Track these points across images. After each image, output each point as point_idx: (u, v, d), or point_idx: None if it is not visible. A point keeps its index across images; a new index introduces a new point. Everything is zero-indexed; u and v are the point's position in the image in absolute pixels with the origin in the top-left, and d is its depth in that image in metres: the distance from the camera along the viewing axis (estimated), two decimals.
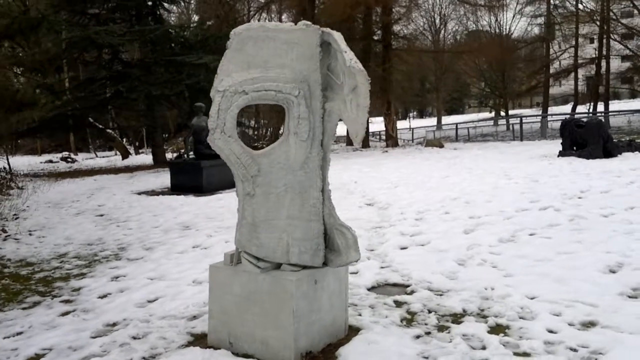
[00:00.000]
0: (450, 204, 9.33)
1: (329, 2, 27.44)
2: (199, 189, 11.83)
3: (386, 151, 24.56)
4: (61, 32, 17.24)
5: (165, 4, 21.26)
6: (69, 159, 28.30)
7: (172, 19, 37.88)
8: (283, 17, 38.41)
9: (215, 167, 12.16)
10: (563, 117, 25.90)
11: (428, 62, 45.00)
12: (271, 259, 3.81)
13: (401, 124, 63.78)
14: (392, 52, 27.66)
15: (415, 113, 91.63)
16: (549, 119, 30.74)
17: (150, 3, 19.44)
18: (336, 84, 3.73)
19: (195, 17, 34.87)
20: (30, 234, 8.03)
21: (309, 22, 3.71)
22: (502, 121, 42.79)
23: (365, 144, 30.33)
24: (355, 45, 28.79)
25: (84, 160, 29.35)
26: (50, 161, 28.00)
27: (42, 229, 8.43)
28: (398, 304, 4.77)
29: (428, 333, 4.14)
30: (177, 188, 12.48)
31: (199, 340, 4.05)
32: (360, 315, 4.48)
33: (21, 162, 28.20)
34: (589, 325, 4.14)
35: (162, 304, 4.86)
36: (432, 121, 61.54)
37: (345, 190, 11.58)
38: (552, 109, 44.19)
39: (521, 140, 27.62)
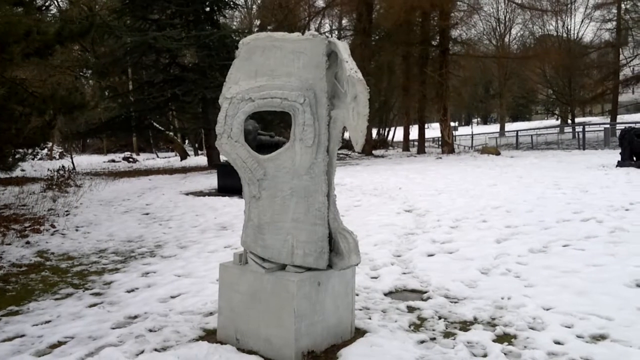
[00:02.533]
0: (490, 212, 9.24)
1: (386, 7, 27.45)
2: (239, 191, 12.05)
3: (440, 158, 24.36)
4: (121, 37, 17.97)
5: (223, 10, 21.83)
6: (131, 159, 29.38)
7: (235, 24, 38.85)
8: (343, 21, 38.75)
9: None
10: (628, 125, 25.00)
11: (492, 67, 44.30)
12: (276, 260, 3.95)
13: (463, 130, 63.05)
14: (449, 57, 27.37)
15: (478, 119, 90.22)
16: (616, 128, 29.68)
17: (207, 9, 20.00)
18: (342, 92, 3.84)
19: (257, 22, 35.53)
20: (76, 230, 8.47)
21: (315, 32, 3.84)
22: (569, 129, 41.58)
23: (421, 150, 30.18)
24: (413, 50, 28.77)
25: (144, 160, 30.42)
26: (113, 161, 29.16)
27: (89, 225, 8.88)
28: (410, 309, 4.83)
29: (433, 339, 4.19)
30: (224, 189, 12.81)
31: (210, 335, 4.23)
32: (369, 318, 4.56)
33: (87, 161, 29.55)
34: (598, 338, 4.09)
35: (183, 299, 5.08)
36: (495, 128, 60.41)
37: (387, 197, 11.61)
38: (622, 117, 42.68)
39: (583, 149, 26.84)
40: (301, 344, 3.77)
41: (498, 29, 49.73)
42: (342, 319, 4.13)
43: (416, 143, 32.66)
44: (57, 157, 30.72)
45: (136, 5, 19.56)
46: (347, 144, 42.31)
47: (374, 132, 47.09)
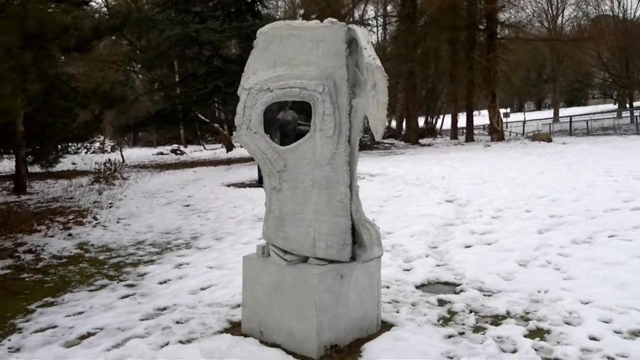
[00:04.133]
0: (535, 201, 8.96)
1: None
2: None
3: (489, 145, 23.82)
4: (164, 31, 18.18)
5: (264, 0, 21.84)
6: (178, 151, 29.85)
7: (279, 14, 38.85)
8: (388, 7, 38.25)
9: None
10: None
11: (544, 50, 42.99)
12: (298, 252, 3.89)
13: (515, 117, 61.54)
14: (497, 41, 26.68)
15: (532, 105, 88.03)
16: None
17: (249, 0, 20.04)
18: (362, 80, 3.73)
19: (301, 11, 35.41)
20: (117, 222, 8.63)
21: (334, 19, 3.74)
22: (627, 113, 40.03)
23: (469, 138, 29.61)
24: (460, 35, 28.17)
25: (191, 152, 30.84)
26: (161, 153, 29.70)
27: (130, 217, 9.03)
28: (441, 302, 4.70)
29: (462, 333, 4.07)
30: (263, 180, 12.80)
31: (235, 328, 4.22)
32: (397, 312, 4.46)
33: (137, 154, 30.20)
34: (637, 334, 3.89)
35: (213, 291, 5.08)
36: (549, 113, 58.73)
37: (429, 186, 11.40)
38: None
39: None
40: (323, 337, 3.71)
41: (550, 11, 48.19)
42: (367, 312, 4.04)
43: (465, 131, 32.04)
44: (109, 150, 31.51)
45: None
46: (393, 133, 42.10)
47: (422, 120, 46.61)
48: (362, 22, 31.78)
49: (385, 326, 4.16)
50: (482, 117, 48.09)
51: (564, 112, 57.38)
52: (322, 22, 3.77)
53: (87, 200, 10.69)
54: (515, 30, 28.34)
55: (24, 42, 5.85)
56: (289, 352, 3.73)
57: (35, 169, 17.29)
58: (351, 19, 34.35)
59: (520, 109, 79.46)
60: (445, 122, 47.53)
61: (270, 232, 3.96)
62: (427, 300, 4.74)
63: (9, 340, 4.14)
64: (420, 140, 30.90)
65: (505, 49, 28.13)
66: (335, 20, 3.74)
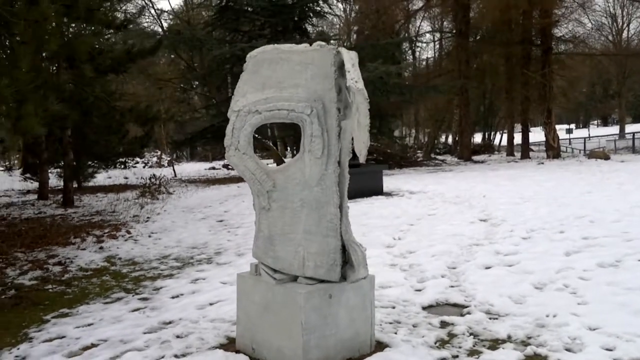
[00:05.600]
0: (572, 222, 8.69)
1: (482, 7, 26.63)
2: None
3: (542, 163, 23.21)
4: (211, 50, 18.66)
5: (312, 19, 22.12)
6: (229, 166, 30.41)
7: (333, 31, 39.18)
8: (445, 22, 37.95)
9: None
10: None
11: (609, 66, 41.69)
12: (287, 272, 3.94)
13: (579, 133, 59.74)
14: (552, 56, 26.06)
15: (598, 121, 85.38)
16: None
17: (296, 18, 20.34)
18: (350, 103, 3.77)
19: (355, 28, 35.64)
20: (149, 236, 8.89)
21: (323, 43, 3.80)
22: None
23: (525, 155, 28.96)
24: (514, 50, 27.69)
25: None
26: (213, 168, 30.34)
27: (163, 231, 9.29)
28: (444, 324, 4.64)
29: (455, 357, 4.01)
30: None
31: (231, 344, 4.29)
32: (396, 333, 4.44)
33: (191, 169, 30.95)
34: None
35: (220, 307, 5.17)
36: (616, 129, 56.75)
37: (467, 205, 11.22)
38: None
39: None
40: (311, 356, 3.73)
41: (615, 25, 46.68)
42: (359, 332, 4.04)
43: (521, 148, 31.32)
44: (166, 164, 32.41)
45: (227, 19, 20.25)
46: (449, 149, 41.61)
47: (478, 137, 45.90)
48: (411, 37, 31.71)
49: (380, 347, 4.14)
50: (542, 134, 46.96)
51: (631, 128, 55.31)
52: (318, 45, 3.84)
53: (128, 214, 11.06)
54: (573, 45, 27.61)
55: (56, 63, 6.17)
56: None
57: (89, 183, 18.09)
58: (405, 34, 34.39)
59: (585, 125, 77.11)
60: (503, 138, 46.68)
61: (260, 252, 4.03)
62: (430, 322, 4.68)
63: (18, 349, 4.34)
64: (474, 157, 30.43)
65: (562, 65, 27.45)
66: (324, 43, 3.81)
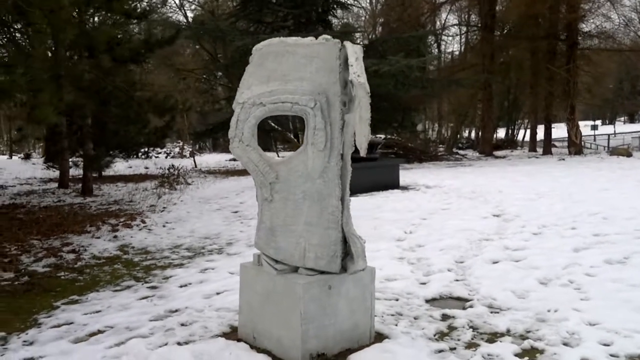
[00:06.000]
0: (585, 219, 8.66)
1: (510, 1, 26.36)
2: None
3: (563, 159, 23.00)
4: (233, 41, 18.71)
5: (335, 11, 22.07)
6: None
7: (359, 23, 39.03)
8: (472, 16, 37.57)
9: (355, 171, 12.25)
10: None
11: (638, 62, 40.92)
12: (289, 262, 4.02)
13: (604, 129, 58.79)
14: (577, 52, 25.73)
15: (625, 118, 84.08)
16: None
17: (320, 10, 20.30)
18: (353, 96, 3.83)
19: (381, 20, 35.46)
20: (163, 226, 9.03)
21: (328, 37, 3.86)
22: None
23: (547, 151, 28.68)
24: (540, 45, 27.37)
25: None
26: (234, 160, 30.48)
27: (177, 221, 9.42)
28: (445, 317, 4.69)
29: (453, 349, 4.06)
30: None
31: (233, 332, 4.38)
32: (396, 325, 4.49)
33: (212, 159, 31.17)
34: (635, 358, 3.77)
35: (226, 296, 5.27)
36: None
37: (482, 200, 11.20)
38: None
39: None
40: (309, 346, 3.81)
41: None
42: (358, 324, 4.11)
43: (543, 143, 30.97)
44: (188, 155, 32.68)
45: (250, 10, 20.31)
46: (472, 144, 41.29)
47: (502, 132, 45.46)
48: (434, 31, 31.43)
49: (380, 338, 4.21)
50: (557, 129, 46.35)
51: None
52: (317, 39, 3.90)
53: (145, 204, 11.24)
54: (599, 40, 27.22)
55: (76, 53, 6.29)
56: (276, 359, 3.86)
57: (110, 172, 18.35)
58: (431, 27, 34.15)
59: (612, 121, 75.91)
60: (527, 134, 46.16)
61: (262, 242, 4.11)
62: (431, 315, 4.74)
63: (26, 334, 4.48)
64: (495, 152, 30.19)
65: (588, 60, 27.08)
66: (329, 37, 3.86)
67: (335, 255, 3.94)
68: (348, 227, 3.95)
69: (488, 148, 29.27)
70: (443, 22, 39.03)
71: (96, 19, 13.57)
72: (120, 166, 20.65)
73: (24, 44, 6.27)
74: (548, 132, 29.50)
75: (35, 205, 11.60)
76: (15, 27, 6.49)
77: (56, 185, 15.28)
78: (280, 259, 4.03)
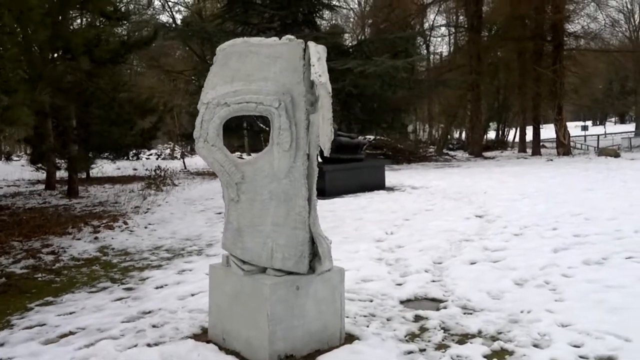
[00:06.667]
0: (566, 219, 8.69)
1: (495, 1, 26.45)
2: (322, 193, 12.13)
3: (551, 160, 23.08)
4: (219, 42, 18.60)
5: (321, 12, 22.10)
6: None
7: (348, 24, 39.11)
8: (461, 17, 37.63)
9: (340, 172, 12.47)
10: None
11: (625, 62, 41.15)
12: (256, 263, 3.99)
13: (594, 130, 59.07)
14: (563, 52, 25.84)
15: (616, 118, 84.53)
16: None
17: (306, 11, 20.32)
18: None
19: (369, 21, 35.53)
20: (145, 227, 8.96)
21: (292, 37, 3.84)
22: None
23: (536, 152, 28.75)
24: (527, 46, 27.48)
25: None
26: None
27: (160, 223, 9.36)
28: (417, 318, 4.67)
29: (422, 350, 4.04)
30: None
31: (204, 334, 4.35)
32: (367, 326, 4.47)
33: (203, 161, 31.04)
34: None
35: (200, 298, 5.23)
36: (633, 127, 56.10)
37: (466, 201, 11.22)
38: None
39: None
40: (276, 347, 3.78)
41: (632, 21, 46.01)
42: (327, 325, 4.08)
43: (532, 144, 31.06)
44: (179, 157, 32.58)
45: (236, 11, 20.32)
46: (462, 145, 41.39)
47: (493, 133, 45.55)
48: (420, 32, 31.41)
49: (350, 339, 4.18)
50: (545, 130, 46.47)
51: None
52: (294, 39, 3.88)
53: (129, 205, 11.18)
54: (586, 41, 27.33)
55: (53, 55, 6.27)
56: None
57: (97, 173, 18.26)
58: (419, 28, 34.22)
59: (602, 122, 76.25)
60: (517, 134, 46.24)
61: (229, 243, 4.09)
62: (404, 316, 4.72)
63: None
64: (485, 153, 30.23)
65: (574, 61, 27.19)
66: (292, 37, 3.84)
67: (302, 256, 3.92)
68: (315, 228, 3.92)
69: (477, 149, 29.33)
70: (431, 23, 39.17)
71: (83, 21, 13.55)
72: (108, 168, 20.55)
73: None
74: (536, 132, 29.58)
75: (20, 207, 11.53)
76: None
77: (43, 187, 15.21)
78: (248, 259, 4.01)
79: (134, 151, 19.68)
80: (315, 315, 4.00)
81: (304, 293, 3.94)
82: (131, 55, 10.71)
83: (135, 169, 21.35)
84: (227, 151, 3.98)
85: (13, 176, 19.35)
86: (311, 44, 3.80)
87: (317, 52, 3.73)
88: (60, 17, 7.17)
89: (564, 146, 26.33)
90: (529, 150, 30.83)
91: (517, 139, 41.40)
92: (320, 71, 3.59)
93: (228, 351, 4.00)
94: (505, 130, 45.08)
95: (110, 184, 16.01)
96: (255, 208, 3.96)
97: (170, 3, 29.81)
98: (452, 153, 31.43)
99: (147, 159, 31.12)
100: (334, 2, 22.63)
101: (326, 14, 24.98)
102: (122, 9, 11.27)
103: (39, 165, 17.30)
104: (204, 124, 3.88)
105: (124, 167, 22.67)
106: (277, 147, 3.83)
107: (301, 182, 3.89)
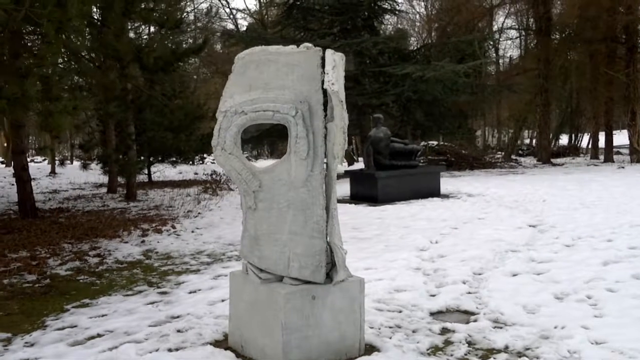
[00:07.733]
0: (624, 231, 8.28)
1: (564, 4, 25.52)
2: (374, 199, 12.08)
3: (622, 167, 22.03)
4: None
5: (381, 17, 21.96)
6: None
7: (414, 29, 38.72)
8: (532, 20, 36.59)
9: (392, 178, 12.34)
10: None
11: None
12: (273, 271, 3.99)
13: None
14: (637, 55, 24.63)
15: None
16: None
17: (365, 16, 20.25)
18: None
19: (435, 25, 35.06)
20: (192, 232, 9.13)
21: (310, 44, 3.82)
22: None
23: (609, 158, 27.52)
24: (599, 49, 26.39)
25: None
26: None
27: (207, 227, 9.51)
28: (444, 331, 4.54)
29: None
30: (355, 197, 12.91)
31: (225, 341, 4.38)
32: (390, 337, 4.38)
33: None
34: None
35: (228, 304, 5.27)
36: None
37: (522, 210, 10.86)
38: None
39: None
40: (291, 356, 3.77)
41: None
42: (345, 335, 4.03)
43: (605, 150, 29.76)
44: None
45: (295, 17, 20.48)
46: (532, 151, 40.19)
47: (565, 138, 43.94)
48: (485, 35, 30.72)
49: (370, 350, 4.12)
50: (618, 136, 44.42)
51: None
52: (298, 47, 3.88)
53: (182, 209, 11.43)
54: None
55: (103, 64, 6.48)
56: None
57: (160, 177, 18.79)
58: (487, 32, 33.46)
59: None
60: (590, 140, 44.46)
61: (246, 250, 4.10)
62: (430, 328, 4.60)
63: (30, 335, 4.61)
64: (554, 160, 29.18)
65: None
66: (310, 45, 3.83)
67: (319, 265, 3.89)
68: (332, 237, 3.89)
69: (545, 155, 28.35)
70: (500, 25, 38.25)
71: (142, 30, 13.96)
72: (170, 172, 21.12)
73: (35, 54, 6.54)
74: (609, 138, 28.31)
75: (80, 209, 12.00)
76: (29, 37, 6.76)
77: (106, 190, 15.79)
78: (265, 267, 4.01)
79: (197, 156, 20.05)
80: (333, 326, 3.96)
81: (321, 303, 3.90)
82: (192, 62, 10.97)
83: (196, 173, 21.83)
84: (245, 159, 4.00)
85: (80, 179, 20.15)
86: (328, 51, 3.77)
87: (333, 60, 3.70)
88: (110, 27, 7.41)
89: (637, 153, 25.08)
90: (602, 157, 29.57)
91: (590, 145, 39.88)
92: (333, 79, 3.56)
93: (245, 359, 4.02)
94: (578, 135, 43.43)
95: (170, 187, 16.44)
96: (272, 216, 3.96)
97: (233, 10, 30.42)
98: (520, 159, 30.52)
99: (212, 162, 31.74)
100: (395, 7, 22.42)
101: (387, 18, 24.79)
102: (180, 17, 11.52)
103: (107, 168, 17.98)
104: (221, 132, 3.91)
105: (185, 171, 23.23)
106: (294, 156, 3.82)
107: (319, 191, 3.86)
